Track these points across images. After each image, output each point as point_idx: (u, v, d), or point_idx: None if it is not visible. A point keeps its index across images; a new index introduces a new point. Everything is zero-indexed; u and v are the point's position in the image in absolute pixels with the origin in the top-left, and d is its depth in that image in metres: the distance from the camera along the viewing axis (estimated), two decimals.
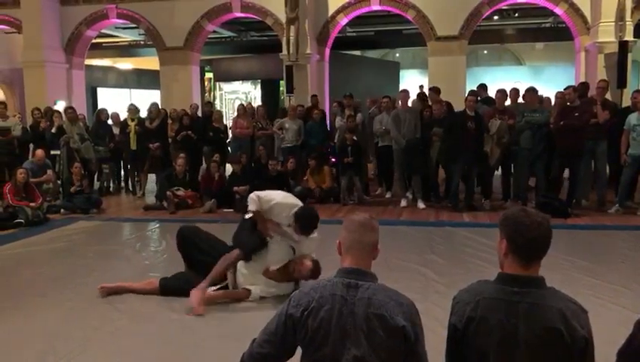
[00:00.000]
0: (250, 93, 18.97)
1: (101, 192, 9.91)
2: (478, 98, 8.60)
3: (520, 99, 8.38)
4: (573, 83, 9.58)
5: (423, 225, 7.31)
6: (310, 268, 4.33)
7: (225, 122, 11.67)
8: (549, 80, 18.01)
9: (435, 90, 8.95)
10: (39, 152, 8.97)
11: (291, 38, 12.25)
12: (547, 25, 16.48)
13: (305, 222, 4.30)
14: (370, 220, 2.04)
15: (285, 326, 1.94)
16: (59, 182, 9.22)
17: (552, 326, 1.71)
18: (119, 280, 4.73)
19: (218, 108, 14.51)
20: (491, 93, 9.12)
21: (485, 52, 22.52)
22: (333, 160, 9.52)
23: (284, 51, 12.52)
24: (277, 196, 4.49)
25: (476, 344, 1.80)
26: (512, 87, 8.65)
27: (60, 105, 12.26)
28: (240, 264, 4.42)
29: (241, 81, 18.97)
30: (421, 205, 8.35)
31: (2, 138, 9.18)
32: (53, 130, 9.57)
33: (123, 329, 3.90)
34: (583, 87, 8.66)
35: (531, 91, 8.00)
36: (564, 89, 7.86)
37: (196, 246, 4.56)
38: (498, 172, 8.63)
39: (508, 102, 8.39)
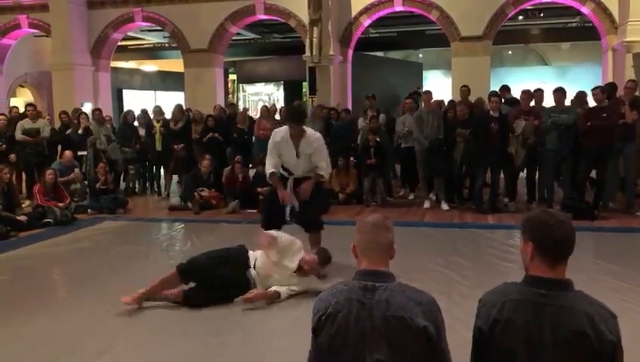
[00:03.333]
0: (273, 94, 19.05)
1: (127, 193, 10.05)
2: (502, 100, 8.50)
3: (545, 100, 8.26)
4: (599, 83, 9.43)
5: (447, 226, 7.28)
6: (314, 260, 4.43)
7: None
8: (574, 80, 17.68)
9: (465, 91, 8.87)
10: (67, 153, 9.14)
11: (314, 39, 12.26)
12: (573, 24, 16.23)
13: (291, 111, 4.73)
14: (384, 220, 2.01)
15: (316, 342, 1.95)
16: (86, 182, 9.38)
17: (579, 329, 1.69)
18: (145, 279, 4.68)
19: (241, 109, 14.57)
20: (516, 93, 9.01)
21: (510, 52, 22.22)
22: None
23: (307, 53, 12.55)
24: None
25: (502, 346, 1.78)
26: (536, 88, 8.53)
27: (87, 107, 12.47)
28: (269, 270, 4.43)
29: (264, 83, 19.06)
30: (445, 206, 8.30)
31: (32, 139, 9.37)
32: (80, 132, 9.74)
33: (150, 327, 3.95)
34: (612, 87, 8.50)
35: (560, 92, 7.88)
36: (592, 90, 7.74)
37: (208, 272, 4.30)
38: (523, 173, 8.52)
39: (533, 103, 8.28)
